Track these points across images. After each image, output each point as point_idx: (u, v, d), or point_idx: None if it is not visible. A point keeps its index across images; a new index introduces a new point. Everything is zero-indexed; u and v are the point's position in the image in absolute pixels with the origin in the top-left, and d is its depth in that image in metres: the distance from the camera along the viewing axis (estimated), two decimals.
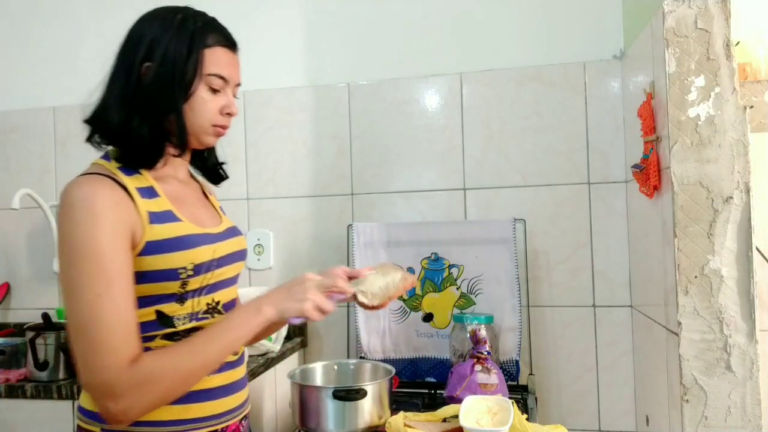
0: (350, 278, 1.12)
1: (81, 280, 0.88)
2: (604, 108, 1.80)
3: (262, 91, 2.01)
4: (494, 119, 1.87)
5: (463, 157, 1.89)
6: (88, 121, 1.04)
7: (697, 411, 1.28)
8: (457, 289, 1.76)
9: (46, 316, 1.66)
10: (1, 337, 1.90)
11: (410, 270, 1.80)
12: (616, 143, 1.79)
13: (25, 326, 1.65)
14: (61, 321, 1.95)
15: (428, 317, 1.77)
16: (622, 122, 1.79)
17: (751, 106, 1.35)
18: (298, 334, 1.93)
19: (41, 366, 1.57)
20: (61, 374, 1.58)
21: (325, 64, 1.99)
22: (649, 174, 1.42)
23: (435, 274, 1.78)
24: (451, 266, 1.77)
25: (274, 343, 1.70)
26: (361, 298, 1.08)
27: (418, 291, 1.79)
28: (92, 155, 2.31)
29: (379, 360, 1.75)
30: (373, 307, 1.10)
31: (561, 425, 1.25)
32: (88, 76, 2.17)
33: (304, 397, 1.35)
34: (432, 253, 1.78)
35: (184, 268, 0.96)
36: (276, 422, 1.69)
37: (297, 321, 1.01)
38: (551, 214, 1.83)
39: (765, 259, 1.42)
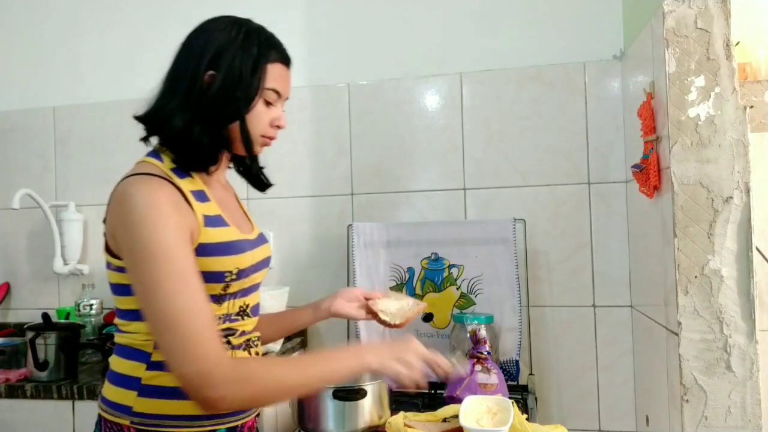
0: (366, 299, 1.27)
1: (158, 279, 0.90)
2: (604, 108, 1.80)
3: None
4: (494, 119, 1.87)
5: (463, 157, 1.89)
6: (144, 122, 1.06)
7: (697, 411, 1.28)
8: (457, 289, 1.76)
9: (46, 316, 1.66)
10: (1, 337, 1.90)
11: (410, 270, 1.80)
12: (616, 143, 1.79)
13: (25, 326, 1.65)
14: (61, 321, 1.95)
15: (428, 317, 1.77)
16: (622, 122, 1.79)
17: (751, 106, 1.35)
18: (298, 334, 1.93)
19: (41, 366, 1.57)
20: (61, 374, 1.58)
21: (325, 64, 1.99)
22: (649, 174, 1.42)
23: (435, 274, 1.78)
24: (451, 266, 1.77)
25: (274, 344, 1.70)
26: (384, 317, 1.22)
27: (418, 291, 1.79)
28: (92, 156, 2.31)
29: None
30: (395, 326, 1.22)
31: (561, 425, 1.25)
32: (88, 76, 2.19)
33: (304, 396, 1.34)
34: (432, 253, 1.78)
35: (230, 271, 1.00)
36: (276, 422, 1.69)
37: (390, 382, 1.05)
38: (551, 214, 1.83)
39: (765, 259, 1.42)
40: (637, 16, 1.61)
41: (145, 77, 2.00)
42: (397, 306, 1.26)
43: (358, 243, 1.83)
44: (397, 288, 1.81)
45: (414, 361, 1.01)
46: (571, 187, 1.82)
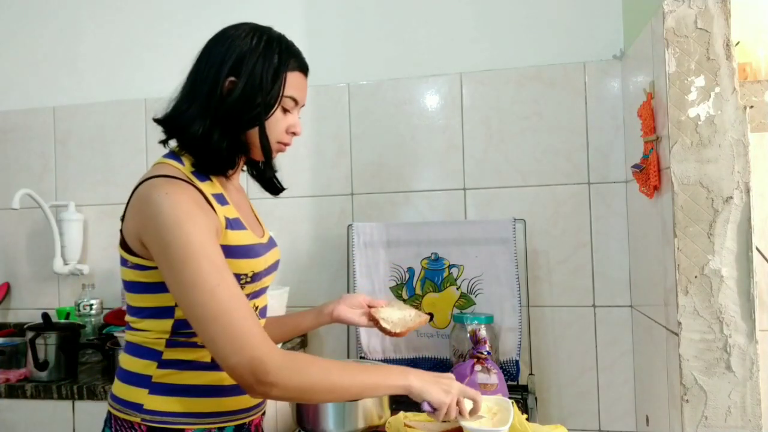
0: (370, 306, 1.29)
1: (196, 276, 0.91)
2: (604, 108, 1.80)
3: None
4: (494, 119, 1.87)
5: (463, 157, 1.89)
6: (163, 125, 1.07)
7: (697, 411, 1.28)
8: (457, 289, 1.76)
9: (46, 316, 1.66)
10: (1, 337, 1.90)
11: (410, 270, 1.80)
12: (616, 143, 1.79)
13: (25, 326, 1.65)
14: (61, 321, 1.95)
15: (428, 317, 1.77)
16: (622, 122, 1.79)
17: (751, 106, 1.35)
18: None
19: (41, 366, 1.57)
20: (62, 374, 1.58)
21: (325, 64, 1.99)
22: (649, 174, 1.42)
23: (435, 274, 1.78)
24: (451, 266, 1.77)
25: None
26: (384, 325, 1.23)
27: (418, 291, 1.79)
28: (92, 156, 2.30)
29: (379, 360, 1.75)
30: (395, 334, 1.23)
31: (561, 425, 1.25)
32: (88, 76, 2.19)
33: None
34: (432, 253, 1.78)
35: (246, 274, 1.02)
36: (276, 422, 1.69)
37: (427, 407, 1.04)
38: (551, 214, 1.83)
39: (765, 259, 1.42)
40: (637, 16, 1.61)
41: (146, 77, 2.01)
42: (399, 315, 1.28)
43: (358, 243, 1.83)
44: (398, 288, 1.81)
45: (453, 390, 1.04)
46: (571, 187, 1.82)
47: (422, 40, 1.93)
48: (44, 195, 2.11)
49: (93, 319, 1.94)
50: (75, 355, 1.63)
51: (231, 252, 0.99)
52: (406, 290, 1.80)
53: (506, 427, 1.15)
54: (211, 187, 1.03)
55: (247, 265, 1.02)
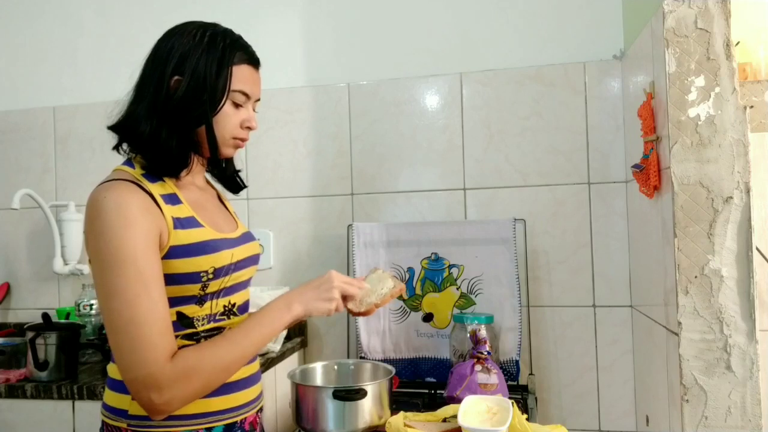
0: None
1: (119, 283, 0.92)
2: (604, 108, 1.80)
3: (262, 91, 2.01)
4: (494, 119, 1.87)
5: (463, 157, 1.89)
6: (115, 130, 1.08)
7: (697, 411, 1.28)
8: (457, 289, 1.76)
9: (46, 316, 1.66)
10: (1, 337, 1.90)
11: (410, 270, 1.80)
12: (616, 143, 1.79)
13: (25, 326, 1.65)
14: (61, 321, 1.95)
15: (428, 317, 1.77)
16: (622, 122, 1.79)
17: (751, 106, 1.35)
18: (298, 334, 1.93)
19: (41, 366, 1.57)
20: (62, 374, 1.58)
21: (325, 64, 1.99)
22: (649, 174, 1.42)
23: (435, 274, 1.78)
24: (451, 266, 1.77)
25: (274, 343, 1.70)
26: (350, 306, 1.14)
27: (418, 291, 1.79)
28: (92, 156, 2.31)
29: (379, 360, 1.75)
30: (360, 314, 1.16)
31: (561, 425, 1.25)
32: (88, 76, 2.19)
33: (304, 397, 1.35)
34: (432, 253, 1.78)
35: (206, 271, 1.01)
36: (276, 422, 1.69)
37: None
38: (551, 214, 1.83)
39: (765, 259, 1.42)
40: (637, 16, 1.61)
41: None
42: (370, 291, 1.17)
43: (358, 243, 1.83)
44: None
45: (334, 294, 1.08)
46: (571, 187, 1.82)
47: (422, 40, 1.93)
48: (44, 195, 2.11)
49: (93, 319, 1.94)
50: (75, 355, 1.63)
51: (183, 251, 0.99)
52: (406, 290, 1.80)
53: (504, 427, 1.15)
54: (161, 188, 1.02)
55: (205, 262, 1.00)
